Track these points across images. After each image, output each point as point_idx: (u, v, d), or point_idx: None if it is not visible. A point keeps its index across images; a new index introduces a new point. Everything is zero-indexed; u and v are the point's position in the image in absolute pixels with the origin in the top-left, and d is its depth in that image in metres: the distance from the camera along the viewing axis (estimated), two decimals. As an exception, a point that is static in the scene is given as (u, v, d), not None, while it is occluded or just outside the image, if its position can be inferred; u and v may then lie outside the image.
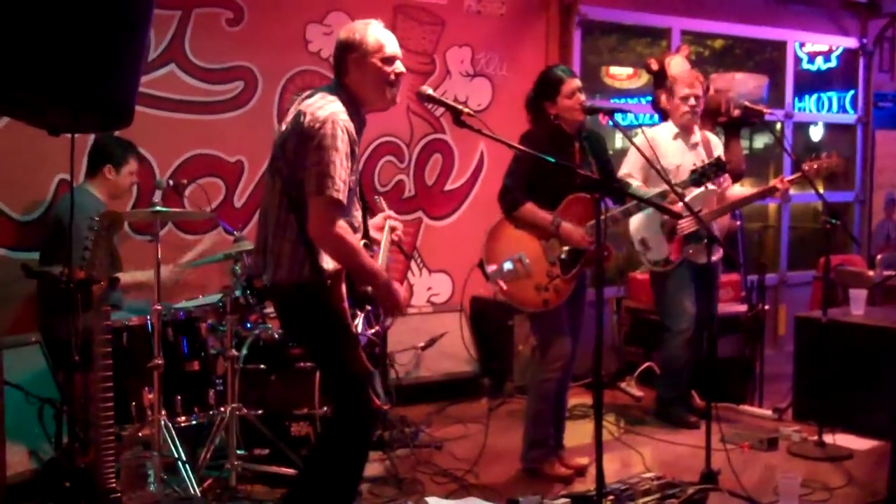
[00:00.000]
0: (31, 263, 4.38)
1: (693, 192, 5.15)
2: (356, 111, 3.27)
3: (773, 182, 5.34)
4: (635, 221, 5.41)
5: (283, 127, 3.24)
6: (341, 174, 3.08)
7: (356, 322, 3.15)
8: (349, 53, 3.28)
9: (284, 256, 3.20)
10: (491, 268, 4.38)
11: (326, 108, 3.16)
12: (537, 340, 4.54)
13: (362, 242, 3.33)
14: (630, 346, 6.53)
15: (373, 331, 3.23)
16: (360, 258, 3.17)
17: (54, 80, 2.64)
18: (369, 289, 3.25)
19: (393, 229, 3.64)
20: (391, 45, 3.30)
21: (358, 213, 3.36)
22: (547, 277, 4.38)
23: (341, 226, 3.11)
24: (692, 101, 5.36)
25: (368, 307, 3.24)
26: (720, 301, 5.80)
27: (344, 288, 3.12)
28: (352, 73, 3.28)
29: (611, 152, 7.76)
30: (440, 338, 5.96)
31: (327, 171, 3.07)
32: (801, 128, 8.86)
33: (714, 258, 5.26)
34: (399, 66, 3.31)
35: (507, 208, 4.42)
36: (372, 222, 3.63)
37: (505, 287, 4.36)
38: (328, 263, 3.16)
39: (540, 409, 4.55)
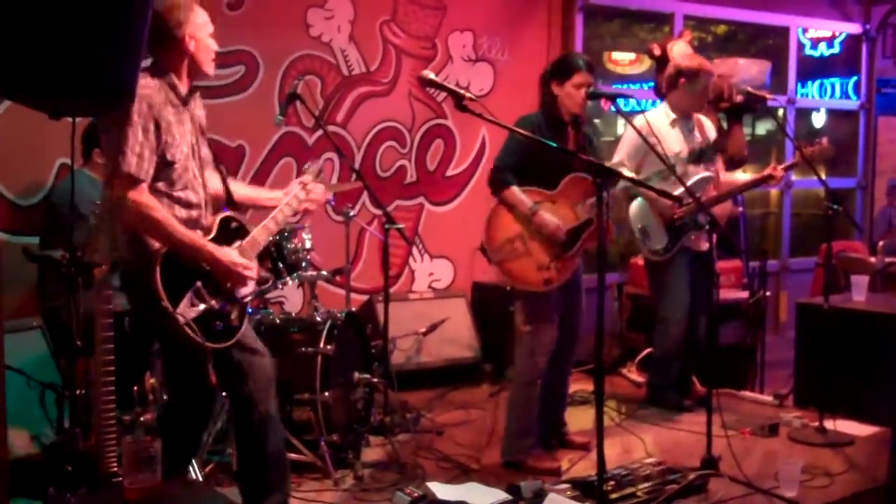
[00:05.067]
0: (31, 247, 4.37)
1: (693, 178, 5.14)
2: (172, 83, 3.31)
3: (767, 170, 5.36)
4: (634, 210, 5.40)
5: None
6: (135, 148, 3.11)
7: (182, 301, 3.15)
8: (182, 27, 3.30)
9: (118, 238, 3.25)
10: (494, 251, 4.39)
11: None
12: (527, 324, 4.53)
13: (223, 215, 3.38)
14: (631, 332, 6.53)
15: (203, 306, 3.21)
16: (171, 231, 3.16)
17: (54, 63, 2.63)
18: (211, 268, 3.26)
19: (298, 200, 3.64)
20: (209, 20, 3.42)
21: (200, 189, 3.37)
22: (547, 257, 4.38)
23: (141, 200, 3.12)
24: (708, 94, 5.41)
25: (198, 283, 3.22)
26: (721, 287, 5.79)
27: (158, 268, 3.13)
28: (179, 46, 3.31)
29: (612, 139, 7.72)
30: (441, 323, 5.96)
31: (120, 146, 3.11)
32: (804, 114, 8.84)
33: (705, 247, 5.25)
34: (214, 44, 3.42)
35: (494, 190, 4.43)
36: (288, 189, 3.68)
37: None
38: (155, 244, 3.20)
39: (527, 396, 4.51)
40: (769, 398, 5.70)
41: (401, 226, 4.87)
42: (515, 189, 4.37)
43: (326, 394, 4.35)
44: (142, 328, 3.61)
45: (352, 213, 5.12)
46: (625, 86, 8.11)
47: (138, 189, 3.13)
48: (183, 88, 3.35)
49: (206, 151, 3.48)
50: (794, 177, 7.98)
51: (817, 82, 8.78)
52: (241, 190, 3.68)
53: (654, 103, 7.09)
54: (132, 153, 3.11)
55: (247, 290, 3.41)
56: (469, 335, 6.20)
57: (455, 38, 6.48)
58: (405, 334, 5.85)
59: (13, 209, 4.96)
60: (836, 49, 8.67)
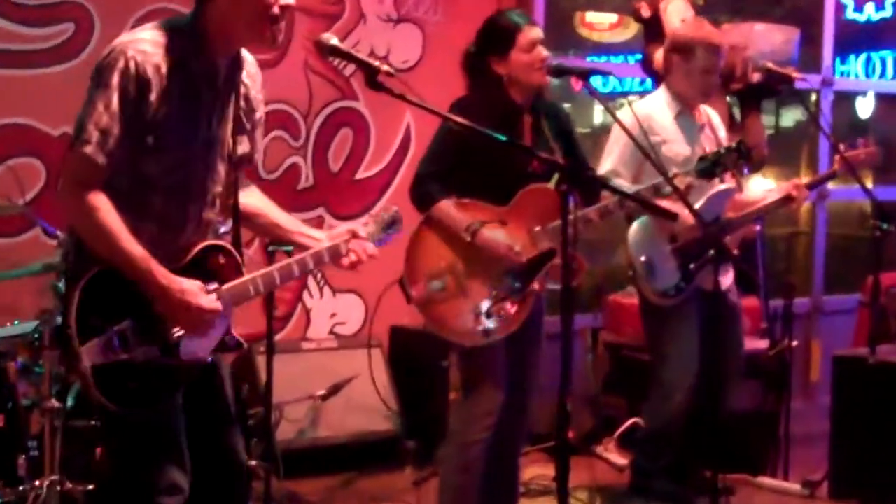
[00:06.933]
0: None
1: (708, 192, 5.17)
2: (203, 50, 3.28)
3: (786, 188, 5.42)
4: (634, 237, 5.35)
5: None
6: (102, 121, 3.10)
7: (96, 339, 3.11)
8: None
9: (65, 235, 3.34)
10: (417, 287, 4.39)
11: (129, 35, 3.22)
12: (463, 387, 4.55)
13: (208, 243, 3.37)
14: (610, 395, 6.57)
15: (124, 356, 3.14)
16: (115, 241, 3.13)
17: None
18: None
19: (336, 253, 3.59)
20: None
21: (195, 198, 3.36)
22: (490, 298, 4.40)
23: (91, 194, 3.12)
24: (715, 78, 5.43)
25: (126, 323, 3.17)
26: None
27: (83, 283, 3.11)
28: (219, 1, 3.28)
29: (588, 130, 7.73)
30: (347, 383, 5.94)
31: (83, 115, 3.12)
32: (845, 99, 8.97)
33: (726, 282, 5.27)
34: None
35: (419, 205, 4.45)
36: (332, 233, 3.65)
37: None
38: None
39: (462, 484, 4.51)
40: (796, 486, 5.77)
41: (290, 247, 4.85)
42: (447, 203, 4.38)
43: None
44: None
45: (221, 230, 5.08)
46: (602, 58, 8.21)
47: (94, 177, 3.12)
48: (210, 59, 3.32)
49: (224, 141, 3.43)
50: (830, 185, 8.10)
51: (862, 56, 8.93)
52: (272, 213, 3.66)
53: (641, 82, 7.19)
54: (95, 128, 3.10)
55: (199, 346, 3.32)
56: (385, 400, 6.18)
57: (370, -11, 6.52)
58: (296, 399, 5.82)
59: None
60: (887, 12, 8.82)
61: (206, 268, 3.35)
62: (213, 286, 3.32)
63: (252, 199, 3.61)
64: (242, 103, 3.44)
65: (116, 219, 3.13)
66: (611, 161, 5.25)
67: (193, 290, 3.23)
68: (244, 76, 3.45)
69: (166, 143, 3.22)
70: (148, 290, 3.17)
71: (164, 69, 3.17)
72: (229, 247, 3.44)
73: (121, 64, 3.10)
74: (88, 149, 3.08)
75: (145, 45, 3.16)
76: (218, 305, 3.28)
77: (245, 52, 3.44)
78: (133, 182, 3.21)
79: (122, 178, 3.19)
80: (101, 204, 3.12)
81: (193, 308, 3.21)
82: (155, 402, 3.26)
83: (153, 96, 3.15)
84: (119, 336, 3.14)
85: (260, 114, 3.56)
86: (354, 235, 3.62)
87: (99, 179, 3.13)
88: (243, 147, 3.46)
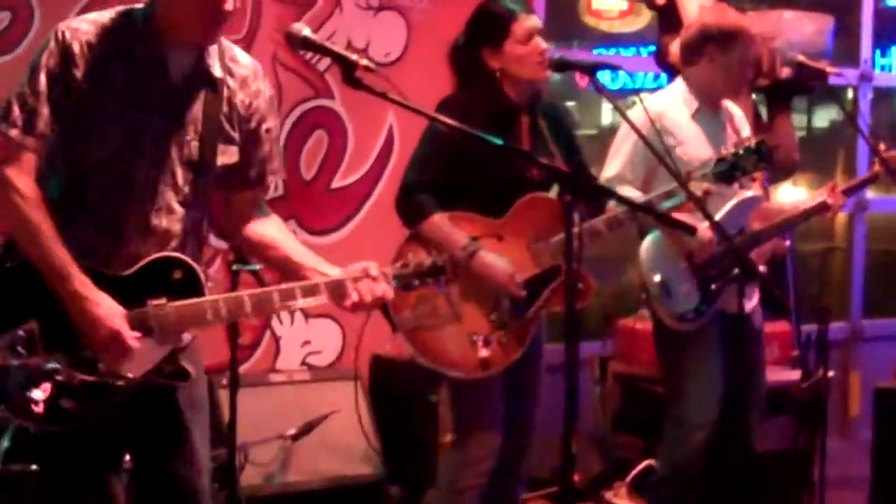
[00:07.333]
0: None
1: (731, 202, 5.16)
2: (148, 39, 3.36)
3: (821, 195, 5.41)
4: (647, 254, 5.32)
5: None
6: (28, 100, 3.25)
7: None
8: None
9: None
10: (403, 314, 4.38)
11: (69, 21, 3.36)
12: (456, 428, 4.53)
13: (160, 255, 3.36)
14: (621, 433, 6.56)
15: (15, 361, 3.16)
16: (37, 234, 3.22)
17: None
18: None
19: (339, 290, 3.48)
20: None
21: (149, 205, 3.39)
22: (487, 323, 4.38)
23: (17, 178, 3.22)
24: (752, 70, 5.43)
25: (34, 322, 3.20)
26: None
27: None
28: None
29: (595, 131, 7.76)
30: (322, 421, 5.93)
31: (10, 97, 3.29)
32: (885, 96, 8.99)
33: (749, 305, 5.26)
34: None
35: (407, 220, 4.47)
36: (346, 269, 3.58)
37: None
38: None
39: None
40: (834, 537, 5.77)
41: (257, 267, 4.85)
42: (439, 218, 4.38)
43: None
44: None
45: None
46: (611, 50, 8.22)
47: (12, 159, 3.25)
48: (152, 49, 3.39)
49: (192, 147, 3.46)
50: (869, 194, 8.11)
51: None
52: (285, 246, 3.66)
53: (655, 78, 7.19)
54: (17, 107, 3.27)
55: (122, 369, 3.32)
56: (365, 439, 6.17)
57: (347, -27, 6.53)
58: (264, 439, 5.80)
59: None
60: (934, -2, 8.88)
61: (156, 282, 3.36)
62: (161, 301, 3.33)
63: (265, 228, 3.65)
64: (225, 108, 3.46)
65: (44, 215, 3.22)
66: (617, 164, 5.17)
67: (112, 311, 3.26)
68: (223, 76, 3.47)
69: (101, 132, 3.31)
70: (62, 297, 3.22)
71: (98, 48, 3.29)
72: (190, 262, 3.44)
73: (50, 44, 3.28)
74: (14, 132, 3.23)
75: (81, 23, 3.32)
76: (130, 336, 3.26)
77: (240, 55, 3.53)
78: (68, 174, 3.33)
79: (56, 170, 3.31)
80: (29, 193, 3.24)
81: (106, 327, 3.24)
82: (70, 421, 3.26)
83: (80, 72, 3.28)
84: (26, 336, 3.17)
85: (267, 125, 3.60)
86: (367, 274, 3.57)
87: (26, 163, 3.25)
88: (226, 158, 3.49)
